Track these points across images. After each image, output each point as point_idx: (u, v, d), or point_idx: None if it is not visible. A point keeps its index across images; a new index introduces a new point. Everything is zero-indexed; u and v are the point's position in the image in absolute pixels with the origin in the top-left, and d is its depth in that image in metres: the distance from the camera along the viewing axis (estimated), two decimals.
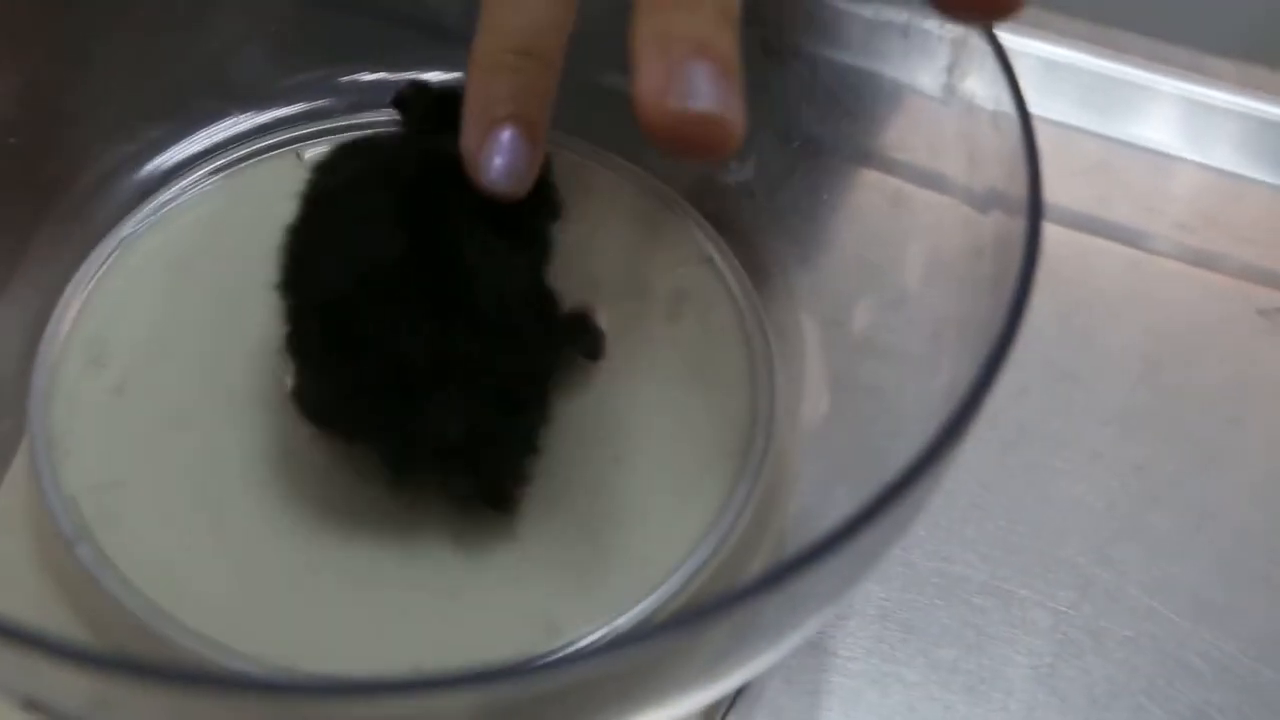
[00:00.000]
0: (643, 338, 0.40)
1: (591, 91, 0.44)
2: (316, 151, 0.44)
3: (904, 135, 0.40)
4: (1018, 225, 0.33)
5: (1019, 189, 0.33)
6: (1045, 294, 0.50)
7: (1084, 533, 0.45)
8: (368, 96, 0.43)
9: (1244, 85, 0.55)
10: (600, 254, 0.42)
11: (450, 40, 0.41)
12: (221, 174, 0.43)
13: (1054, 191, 0.52)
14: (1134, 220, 0.52)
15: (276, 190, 0.43)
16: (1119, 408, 0.48)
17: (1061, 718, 0.41)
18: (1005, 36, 0.35)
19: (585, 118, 0.44)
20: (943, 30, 0.36)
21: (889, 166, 0.41)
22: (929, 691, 0.41)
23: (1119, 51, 0.56)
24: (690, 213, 0.43)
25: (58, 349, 0.39)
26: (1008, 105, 0.34)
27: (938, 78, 0.38)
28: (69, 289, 0.40)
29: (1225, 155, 0.54)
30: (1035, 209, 0.33)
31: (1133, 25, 0.56)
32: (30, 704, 0.29)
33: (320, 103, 0.44)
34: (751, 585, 0.27)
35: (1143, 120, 0.55)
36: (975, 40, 0.35)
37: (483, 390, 0.34)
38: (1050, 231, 0.51)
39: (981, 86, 0.35)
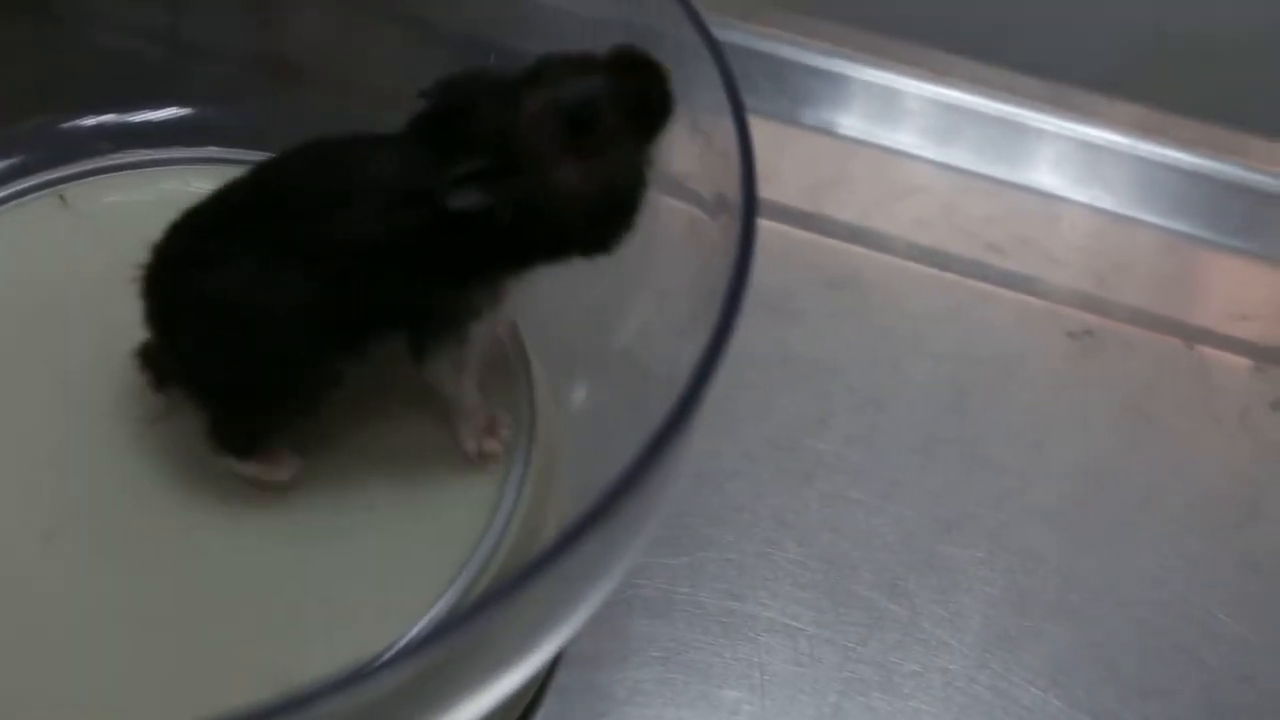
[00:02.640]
0: (394, 372, 0.39)
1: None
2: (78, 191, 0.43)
3: None
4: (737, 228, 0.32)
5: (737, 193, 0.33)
6: (854, 320, 0.50)
7: (876, 566, 0.44)
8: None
9: (1057, 106, 0.55)
10: None
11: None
12: None
13: (868, 216, 0.53)
14: (943, 242, 0.52)
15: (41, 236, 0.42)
16: (924, 436, 0.47)
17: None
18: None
19: None
20: (662, 27, 0.35)
21: None
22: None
23: (938, 74, 0.55)
24: None
25: None
26: (726, 109, 0.33)
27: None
28: None
29: (1039, 177, 0.54)
30: (749, 207, 0.32)
31: (931, 42, 0.55)
32: None
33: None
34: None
35: (956, 142, 0.54)
36: (692, 38, 0.34)
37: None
38: (856, 253, 0.51)
39: (703, 90, 0.34)
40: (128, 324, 0.36)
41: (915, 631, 0.42)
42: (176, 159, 0.43)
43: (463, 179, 0.33)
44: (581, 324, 0.40)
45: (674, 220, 0.37)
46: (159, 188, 0.43)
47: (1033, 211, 0.53)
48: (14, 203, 0.43)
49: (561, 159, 0.34)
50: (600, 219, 0.34)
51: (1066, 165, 0.54)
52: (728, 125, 0.33)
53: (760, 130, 0.33)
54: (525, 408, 0.39)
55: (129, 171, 0.43)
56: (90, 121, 0.43)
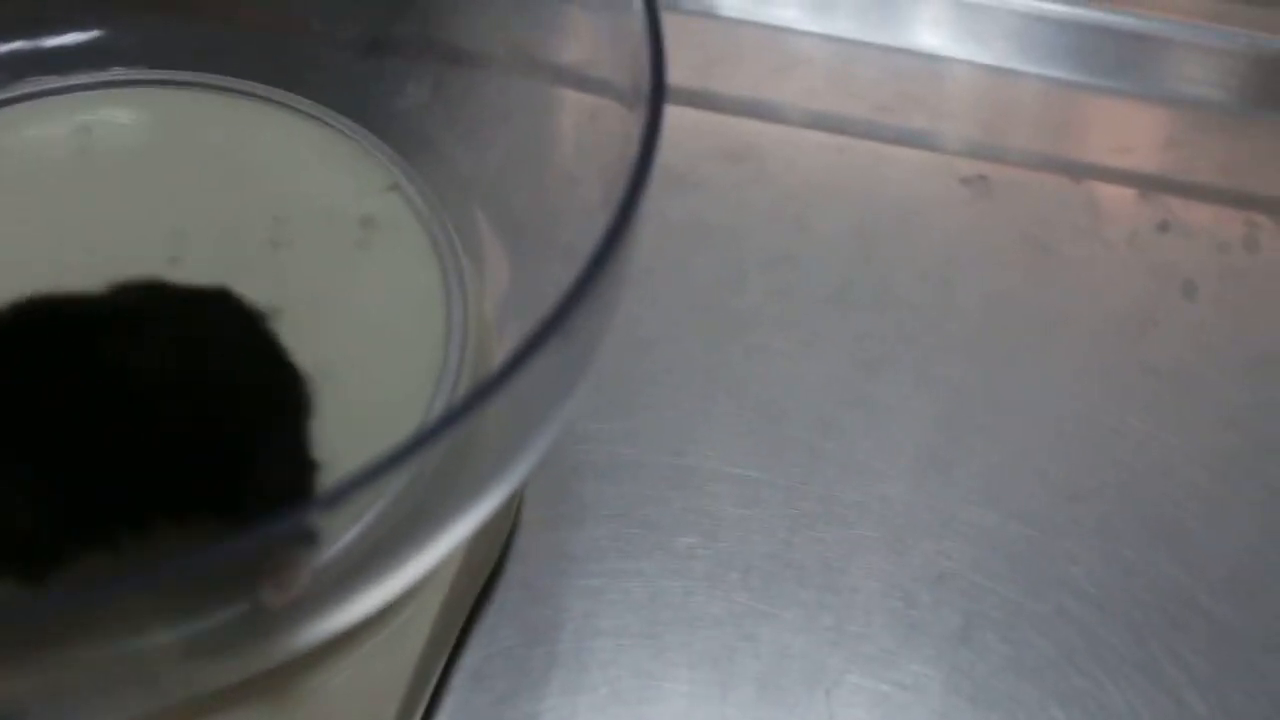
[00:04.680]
0: (334, 268, 0.40)
1: (254, 31, 0.45)
2: None
3: (559, 41, 0.41)
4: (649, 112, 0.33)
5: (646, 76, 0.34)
6: (757, 187, 0.52)
7: (807, 409, 0.45)
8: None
9: None
10: (283, 190, 0.41)
11: None
12: None
13: (758, 89, 0.54)
14: (834, 107, 0.53)
15: None
16: (837, 286, 0.49)
17: (800, 588, 0.42)
18: None
19: (254, 58, 0.43)
20: None
21: (551, 74, 0.42)
22: (669, 581, 0.42)
23: None
24: (373, 141, 0.42)
25: None
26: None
27: None
28: None
29: (920, 39, 0.56)
30: (658, 88, 0.33)
31: None
32: None
33: None
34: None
35: (836, 13, 0.56)
36: None
37: None
38: (751, 126, 0.53)
39: None
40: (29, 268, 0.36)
41: (851, 465, 0.44)
42: (80, 85, 0.43)
43: None
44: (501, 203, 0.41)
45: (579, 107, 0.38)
46: (71, 119, 0.43)
47: (917, 72, 0.55)
48: None
49: None
50: None
51: (945, 25, 0.56)
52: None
53: None
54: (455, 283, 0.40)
55: (34, 101, 0.43)
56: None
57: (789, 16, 0.56)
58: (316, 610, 0.33)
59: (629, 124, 0.35)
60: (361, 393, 0.38)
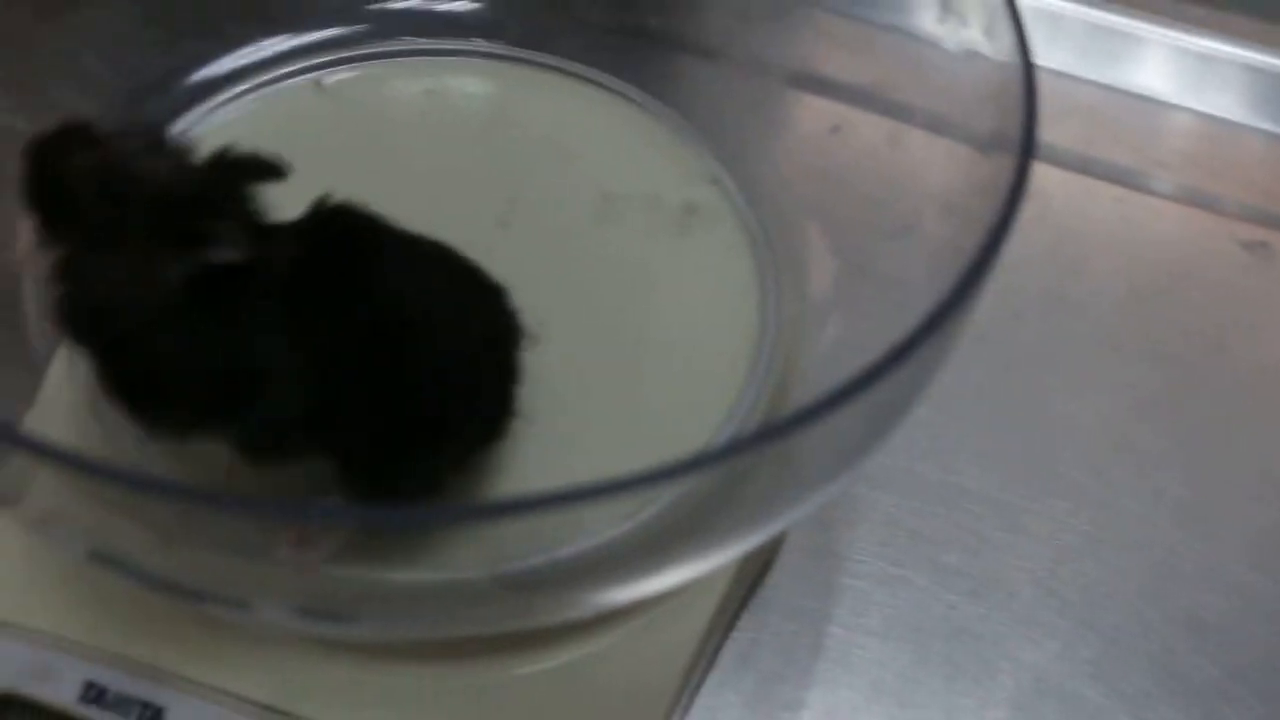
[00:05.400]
0: (655, 249, 0.42)
1: (605, 24, 0.47)
2: (337, 79, 0.45)
3: (904, 78, 0.43)
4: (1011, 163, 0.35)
5: (1014, 128, 0.35)
6: (1038, 227, 0.52)
7: (1076, 446, 0.46)
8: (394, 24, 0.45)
9: (1239, 36, 0.56)
10: (611, 170, 0.43)
11: None
12: (245, 97, 0.44)
13: (1049, 134, 0.55)
14: (1124, 160, 0.54)
15: (296, 116, 0.44)
16: (1108, 332, 0.49)
17: (1060, 618, 0.43)
18: None
19: (599, 47, 0.46)
20: None
21: (891, 109, 0.44)
22: (934, 593, 0.43)
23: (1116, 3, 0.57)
24: (700, 138, 0.44)
25: None
26: (1012, 52, 0.36)
27: (942, 23, 0.40)
28: None
29: (1218, 102, 0.56)
30: (1029, 137, 0.34)
31: None
32: (94, 557, 0.31)
33: (347, 30, 0.45)
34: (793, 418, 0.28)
35: (1137, 68, 0.56)
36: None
37: None
38: (1042, 171, 0.53)
39: (987, 34, 0.37)
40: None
41: (1115, 507, 0.45)
42: (433, 50, 0.45)
43: None
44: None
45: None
46: (422, 81, 0.45)
47: (1199, 131, 0.55)
48: (272, 86, 0.45)
49: None
50: None
51: (1235, 90, 0.56)
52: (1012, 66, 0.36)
53: None
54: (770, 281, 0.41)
55: (391, 60, 0.45)
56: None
57: (1068, 62, 0.57)
58: (634, 570, 0.35)
59: (978, 167, 0.37)
60: (670, 371, 0.40)
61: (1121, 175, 0.54)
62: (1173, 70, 0.56)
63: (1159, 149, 0.55)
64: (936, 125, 0.40)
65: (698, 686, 0.40)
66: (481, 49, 0.45)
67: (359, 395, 0.34)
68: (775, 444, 0.31)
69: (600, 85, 0.45)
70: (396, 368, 0.34)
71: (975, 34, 0.38)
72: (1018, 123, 0.35)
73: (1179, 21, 0.57)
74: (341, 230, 0.35)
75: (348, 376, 0.34)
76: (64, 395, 0.38)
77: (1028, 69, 0.35)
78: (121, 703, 0.36)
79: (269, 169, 0.33)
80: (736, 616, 0.41)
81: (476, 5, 0.45)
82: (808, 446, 0.32)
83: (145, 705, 0.36)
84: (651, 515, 0.36)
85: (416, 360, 0.34)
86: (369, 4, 0.45)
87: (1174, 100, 0.56)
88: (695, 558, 0.34)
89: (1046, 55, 0.56)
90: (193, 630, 0.37)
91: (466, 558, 0.33)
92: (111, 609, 0.37)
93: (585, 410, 0.38)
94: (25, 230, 0.34)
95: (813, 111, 0.45)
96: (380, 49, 0.45)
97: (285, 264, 0.33)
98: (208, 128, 0.43)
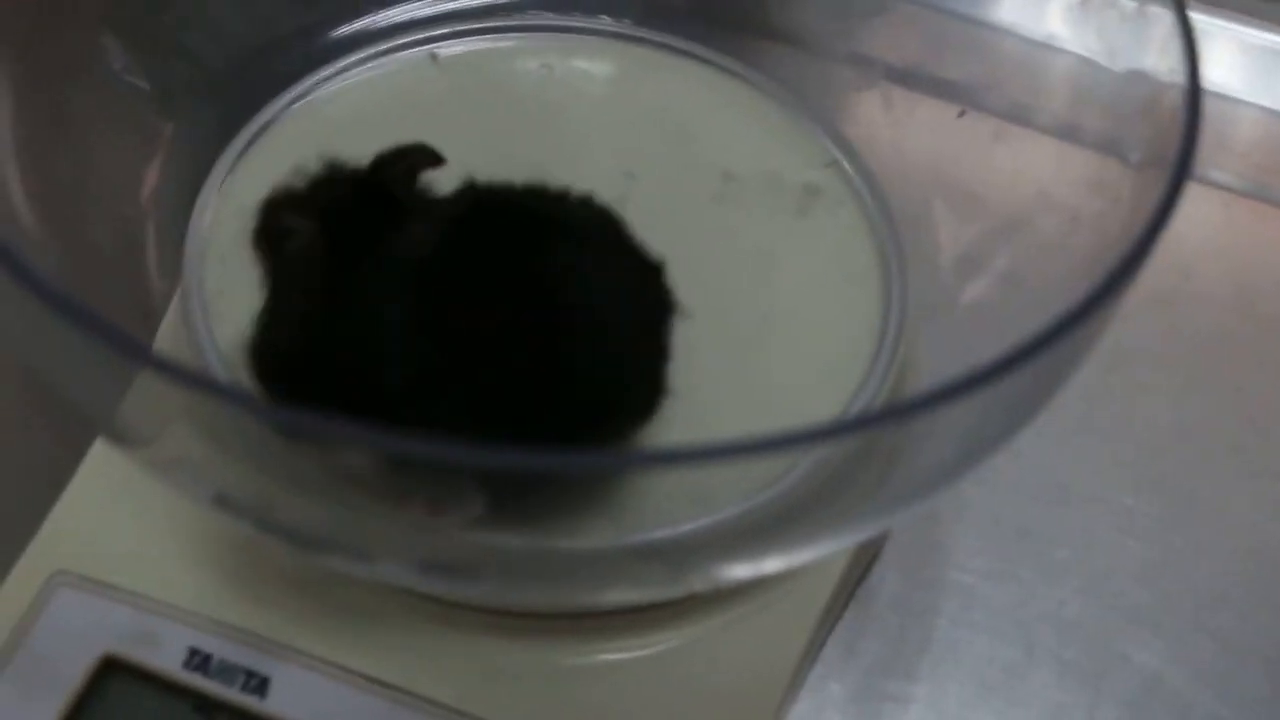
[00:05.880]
0: (776, 229, 0.42)
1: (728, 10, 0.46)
2: (452, 52, 0.45)
3: (1059, 92, 0.42)
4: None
5: (1166, 143, 0.34)
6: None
7: (1184, 449, 0.45)
8: None
9: None
10: (729, 150, 0.43)
11: None
12: (363, 65, 0.44)
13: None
14: (1233, 166, 0.53)
15: (409, 88, 0.44)
16: (1214, 335, 0.49)
17: (1173, 618, 0.42)
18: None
19: (719, 28, 0.45)
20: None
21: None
22: (1043, 590, 0.42)
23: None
24: (819, 121, 0.44)
25: (209, 216, 0.40)
26: (1180, 74, 0.35)
27: (1111, 43, 0.39)
28: (217, 163, 0.41)
29: None
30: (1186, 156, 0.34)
31: None
32: (220, 501, 0.30)
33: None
34: (936, 392, 0.28)
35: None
36: (1154, 9, 0.36)
37: None
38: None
39: (1158, 56, 0.36)
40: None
41: (1227, 511, 0.44)
42: (547, 26, 0.45)
43: None
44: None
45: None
46: (532, 58, 0.45)
47: None
48: (390, 55, 0.45)
49: None
50: None
51: None
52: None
53: None
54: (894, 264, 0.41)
55: (510, 34, 0.45)
56: None
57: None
58: (760, 545, 0.34)
59: (1123, 181, 0.36)
60: (794, 351, 0.39)
61: (1230, 181, 0.53)
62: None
63: (1270, 155, 0.54)
64: (1068, 130, 0.40)
65: (804, 677, 0.40)
66: (602, 27, 0.45)
67: (515, 384, 0.33)
68: (920, 416, 0.30)
69: (720, 67, 0.45)
70: (553, 354, 0.33)
71: (1126, 41, 0.38)
72: (1171, 138, 0.34)
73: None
74: (498, 209, 0.35)
75: (502, 367, 0.33)
76: (182, 348, 0.38)
77: (1194, 89, 0.34)
78: (226, 670, 0.36)
79: (433, 157, 0.34)
80: (844, 606, 0.41)
81: None
82: (938, 431, 0.32)
83: (250, 674, 0.36)
84: (776, 492, 0.35)
85: (575, 346, 0.34)
86: None
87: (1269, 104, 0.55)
88: (820, 538, 0.34)
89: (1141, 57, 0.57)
90: (301, 600, 0.36)
91: (598, 525, 0.32)
92: (219, 575, 0.37)
93: (712, 389, 0.37)
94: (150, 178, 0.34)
95: (934, 101, 0.45)
96: (500, 23, 0.45)
97: (446, 249, 0.33)
98: (323, 94, 0.43)
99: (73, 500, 0.38)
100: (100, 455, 0.38)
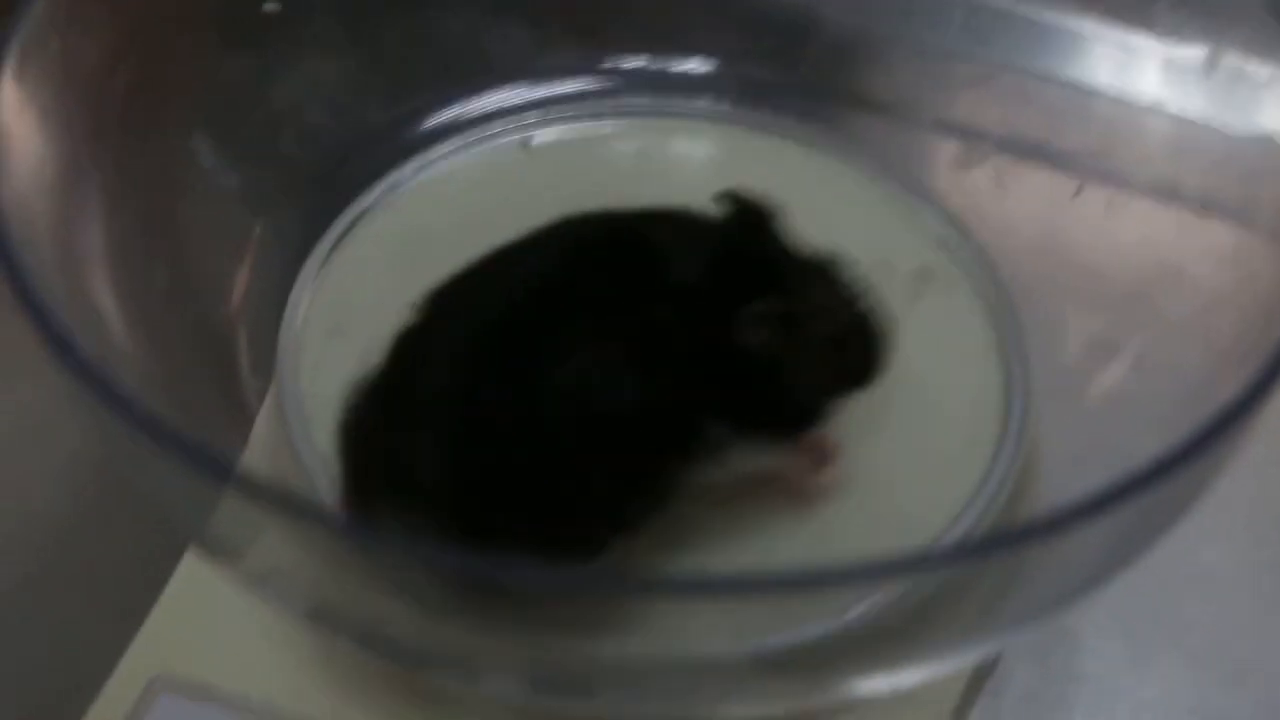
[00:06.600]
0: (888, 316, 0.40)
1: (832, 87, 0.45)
2: (545, 139, 0.44)
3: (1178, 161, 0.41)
4: None
5: None
6: None
7: None
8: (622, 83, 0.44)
9: None
10: (839, 236, 0.41)
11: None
12: (453, 156, 0.43)
13: None
14: None
15: (504, 175, 0.43)
16: None
17: None
18: None
19: (819, 101, 0.44)
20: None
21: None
22: (1185, 681, 0.40)
23: None
24: (932, 201, 0.42)
25: (303, 312, 0.39)
26: None
27: (1240, 108, 0.38)
28: (309, 259, 0.40)
29: None
30: None
31: None
32: (314, 615, 0.29)
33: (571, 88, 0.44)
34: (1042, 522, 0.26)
35: None
36: None
37: None
38: None
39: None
40: None
41: None
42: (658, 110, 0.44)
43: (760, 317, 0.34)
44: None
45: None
46: (628, 143, 0.44)
47: None
48: (481, 145, 0.44)
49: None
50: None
51: None
52: None
53: None
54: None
55: (607, 120, 0.44)
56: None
57: None
58: (874, 660, 0.32)
59: (1254, 252, 0.34)
60: (909, 445, 0.38)
61: None
62: None
63: None
64: (1196, 200, 0.38)
65: None
66: (700, 109, 0.44)
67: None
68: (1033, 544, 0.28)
69: (822, 147, 0.43)
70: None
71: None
72: None
73: None
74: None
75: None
76: (271, 452, 0.37)
77: None
78: None
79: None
80: (971, 705, 0.39)
81: (708, 67, 0.44)
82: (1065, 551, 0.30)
83: None
84: (902, 594, 0.33)
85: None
86: (599, 63, 0.44)
87: None
88: (941, 654, 0.32)
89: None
90: (409, 707, 0.35)
91: (712, 632, 0.31)
92: (323, 676, 0.36)
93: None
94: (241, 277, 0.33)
95: (1049, 178, 0.43)
96: (594, 109, 0.44)
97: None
98: (413, 185, 0.42)
99: (172, 601, 0.37)
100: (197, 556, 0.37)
